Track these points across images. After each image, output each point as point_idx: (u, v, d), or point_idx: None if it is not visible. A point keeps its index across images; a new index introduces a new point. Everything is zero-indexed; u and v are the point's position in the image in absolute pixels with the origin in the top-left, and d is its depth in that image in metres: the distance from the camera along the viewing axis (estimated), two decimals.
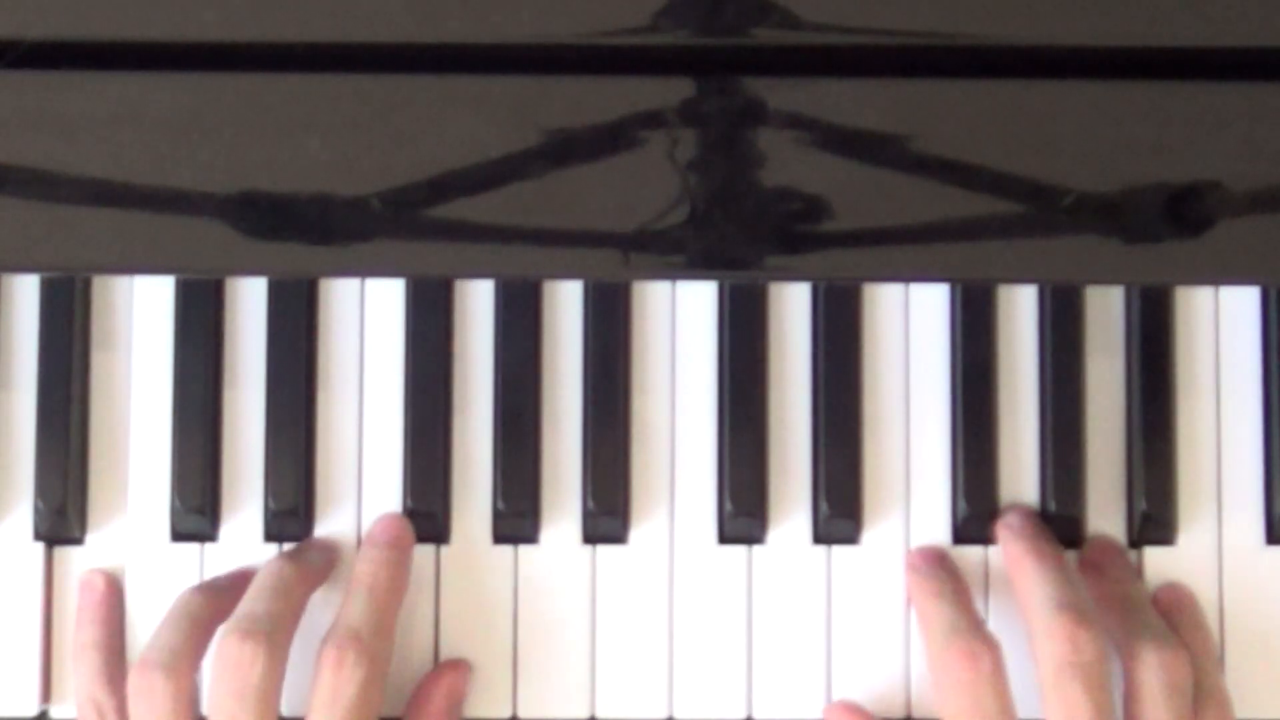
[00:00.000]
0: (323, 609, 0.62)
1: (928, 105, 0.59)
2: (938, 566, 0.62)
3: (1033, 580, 0.60)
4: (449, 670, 0.63)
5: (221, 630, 0.59)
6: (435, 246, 0.60)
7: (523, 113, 0.59)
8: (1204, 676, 0.61)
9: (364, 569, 0.61)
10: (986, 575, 0.64)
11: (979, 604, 0.63)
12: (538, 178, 0.59)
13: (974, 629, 0.59)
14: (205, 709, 0.59)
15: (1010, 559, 0.62)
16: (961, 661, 0.58)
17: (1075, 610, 0.58)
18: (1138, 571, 0.63)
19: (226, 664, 0.58)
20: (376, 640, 0.59)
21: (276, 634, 0.58)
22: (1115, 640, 0.60)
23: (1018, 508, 0.63)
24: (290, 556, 0.62)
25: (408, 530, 0.63)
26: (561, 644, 0.63)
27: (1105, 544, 0.64)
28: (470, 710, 0.63)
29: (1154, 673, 0.58)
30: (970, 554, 0.63)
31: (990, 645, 0.58)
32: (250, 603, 0.60)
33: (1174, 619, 0.62)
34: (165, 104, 0.59)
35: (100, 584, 0.63)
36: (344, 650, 0.58)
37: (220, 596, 0.61)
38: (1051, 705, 0.57)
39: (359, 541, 0.64)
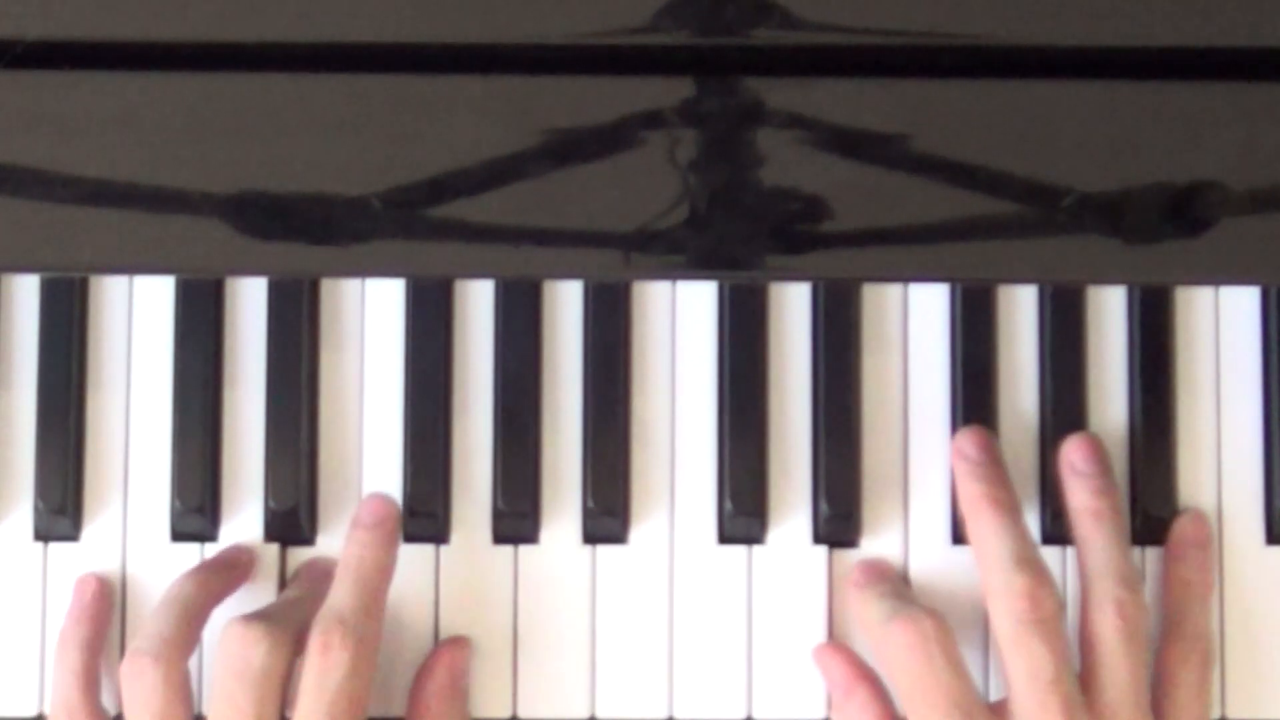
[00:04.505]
0: None
1: (928, 105, 0.59)
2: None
3: (990, 531, 0.60)
4: (448, 647, 0.63)
5: (229, 621, 0.59)
6: (435, 246, 0.60)
7: (523, 113, 0.59)
8: (1184, 617, 0.62)
9: (350, 552, 0.61)
10: None
11: (978, 607, 0.63)
12: (538, 178, 0.59)
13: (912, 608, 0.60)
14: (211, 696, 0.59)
15: (967, 500, 0.62)
16: (913, 628, 0.58)
17: (1034, 566, 0.59)
18: (1132, 558, 0.63)
19: (231, 646, 0.58)
20: (364, 622, 0.59)
21: (281, 622, 0.59)
22: (1081, 575, 0.61)
23: (972, 431, 0.63)
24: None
25: (393, 509, 0.63)
26: (561, 644, 0.63)
27: (1089, 444, 0.63)
28: (470, 710, 0.63)
29: (1109, 617, 0.59)
30: (969, 555, 0.63)
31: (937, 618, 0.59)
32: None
33: (1176, 551, 0.63)
34: (165, 104, 0.59)
35: (94, 585, 0.63)
36: (330, 634, 0.58)
37: (212, 581, 0.62)
38: (1013, 659, 0.58)
39: None
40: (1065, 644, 0.59)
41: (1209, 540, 0.63)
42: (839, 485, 0.64)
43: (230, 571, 0.63)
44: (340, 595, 0.60)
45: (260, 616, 0.59)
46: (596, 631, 0.63)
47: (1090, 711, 0.58)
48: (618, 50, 0.59)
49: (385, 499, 0.63)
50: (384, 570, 0.61)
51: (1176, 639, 0.62)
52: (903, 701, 0.59)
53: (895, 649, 0.59)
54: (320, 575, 0.63)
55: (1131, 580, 0.60)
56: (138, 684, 0.59)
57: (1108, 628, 0.59)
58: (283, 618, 0.60)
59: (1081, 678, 0.59)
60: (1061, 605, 0.59)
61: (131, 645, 0.59)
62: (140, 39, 0.59)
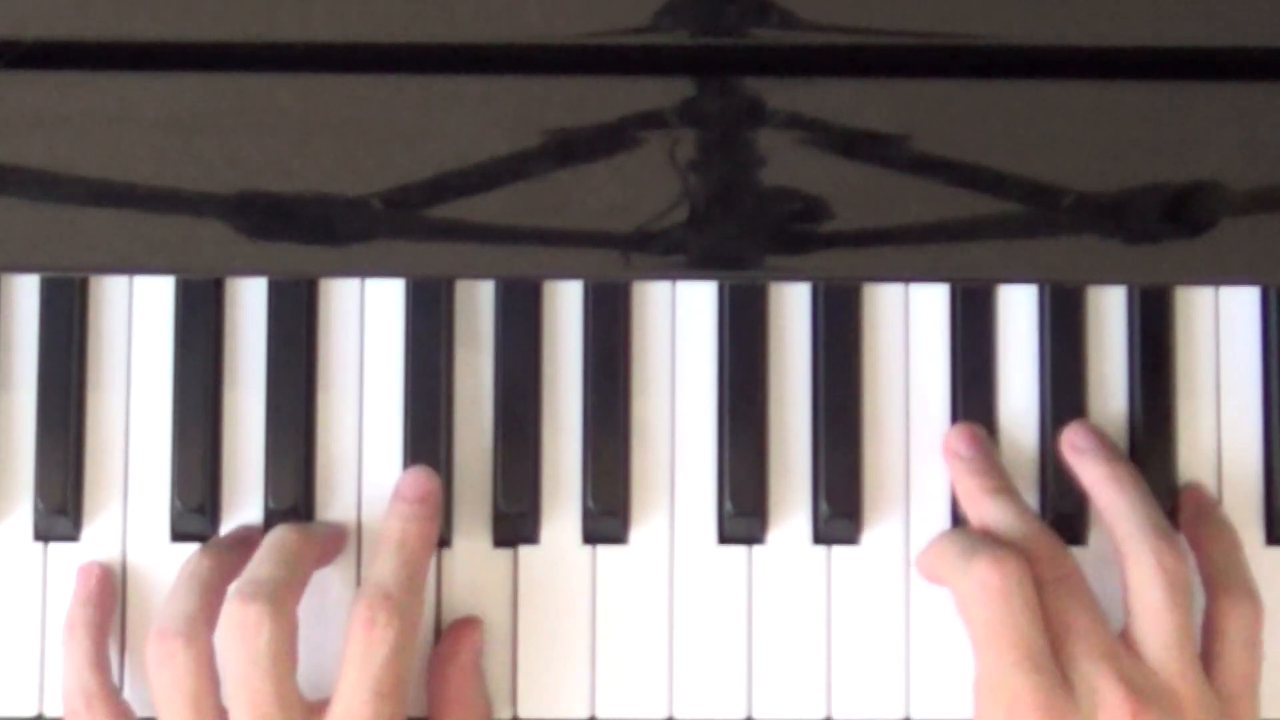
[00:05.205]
0: (341, 587, 0.63)
1: (928, 105, 0.59)
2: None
3: (993, 518, 0.61)
4: (466, 627, 0.62)
5: (227, 596, 0.59)
6: (435, 246, 0.60)
7: (523, 113, 0.59)
8: (1224, 571, 0.61)
9: (393, 525, 0.61)
10: None
11: None
12: (538, 178, 0.59)
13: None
14: (222, 677, 0.59)
15: (965, 494, 0.62)
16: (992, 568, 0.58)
17: (1044, 532, 0.60)
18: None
19: (233, 631, 0.57)
20: (408, 597, 0.59)
21: (279, 595, 0.58)
22: (1113, 540, 0.60)
23: (961, 428, 0.63)
24: (295, 525, 0.62)
25: (436, 484, 0.62)
26: (561, 644, 0.63)
27: (1085, 425, 0.63)
28: None
29: (1147, 568, 0.58)
30: None
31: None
32: (252, 568, 0.59)
33: (1192, 513, 0.63)
34: (165, 104, 0.59)
35: (97, 570, 0.63)
36: (375, 609, 0.58)
37: (227, 556, 0.61)
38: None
39: (360, 540, 0.64)
40: (1093, 596, 0.59)
41: (1216, 503, 0.63)
42: (839, 485, 0.64)
43: (243, 549, 0.62)
44: (384, 569, 0.59)
45: (255, 594, 0.58)
46: (596, 631, 0.63)
47: (1136, 664, 0.57)
48: (618, 50, 0.59)
49: (429, 473, 0.62)
50: (428, 544, 0.61)
51: (1221, 593, 0.60)
52: (975, 647, 0.58)
53: (974, 588, 0.58)
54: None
55: (1165, 529, 0.59)
56: (169, 665, 0.58)
57: (1147, 580, 0.58)
58: (273, 585, 0.58)
59: (1126, 634, 0.59)
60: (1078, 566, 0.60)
61: (156, 626, 0.59)
62: (140, 39, 0.59)
